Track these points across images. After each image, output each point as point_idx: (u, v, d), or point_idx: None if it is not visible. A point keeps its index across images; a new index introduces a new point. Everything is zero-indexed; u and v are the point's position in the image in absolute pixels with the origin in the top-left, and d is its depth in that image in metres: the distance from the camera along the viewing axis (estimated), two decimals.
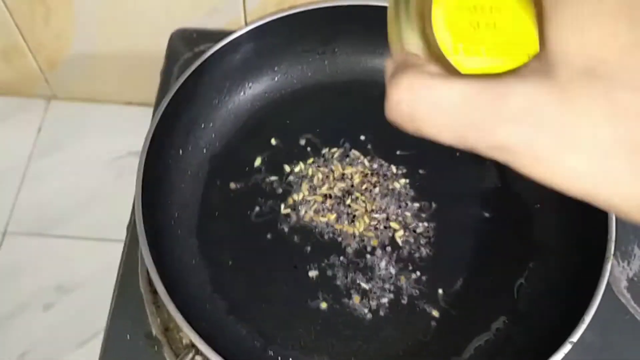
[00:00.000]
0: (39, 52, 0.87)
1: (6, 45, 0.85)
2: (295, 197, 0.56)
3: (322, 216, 0.55)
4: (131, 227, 0.58)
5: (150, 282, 0.55)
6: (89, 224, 0.85)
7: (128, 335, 0.53)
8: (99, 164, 0.90)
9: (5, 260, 0.82)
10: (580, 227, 0.52)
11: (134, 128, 0.91)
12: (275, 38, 0.59)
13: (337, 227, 0.55)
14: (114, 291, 0.55)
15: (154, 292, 0.54)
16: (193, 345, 0.42)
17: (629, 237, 0.58)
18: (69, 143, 0.92)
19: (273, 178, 0.57)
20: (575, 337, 0.43)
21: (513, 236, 0.55)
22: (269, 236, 0.54)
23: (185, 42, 0.69)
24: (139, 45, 0.84)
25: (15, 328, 0.78)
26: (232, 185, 0.56)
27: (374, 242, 0.54)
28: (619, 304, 0.55)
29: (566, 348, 0.43)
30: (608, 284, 0.51)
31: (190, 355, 0.42)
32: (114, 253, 0.61)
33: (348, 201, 0.56)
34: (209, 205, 0.55)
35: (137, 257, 0.56)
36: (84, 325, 0.78)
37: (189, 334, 0.42)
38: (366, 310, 0.51)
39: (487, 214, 0.56)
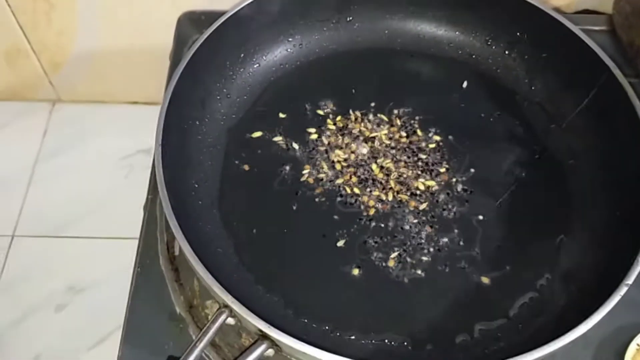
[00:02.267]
0: (42, 53, 0.86)
1: (9, 47, 0.83)
2: (317, 164, 0.54)
3: (348, 182, 0.53)
4: (147, 205, 0.56)
5: (171, 260, 0.53)
6: (99, 224, 0.83)
7: (150, 316, 0.50)
8: (107, 164, 0.88)
9: (15, 263, 0.79)
10: (618, 177, 0.50)
11: (142, 127, 0.89)
12: (288, 7, 0.58)
13: (364, 192, 0.52)
14: (133, 273, 0.53)
15: (176, 269, 0.52)
16: (226, 307, 0.39)
17: None
18: (75, 145, 0.90)
19: (294, 146, 0.55)
20: (630, 278, 0.40)
21: (550, 193, 0.52)
22: (293, 205, 0.52)
23: (194, 24, 0.67)
24: (143, 39, 0.82)
25: (27, 330, 0.75)
26: (252, 155, 0.54)
27: (406, 205, 0.52)
28: None
29: (622, 290, 0.40)
30: None
31: (223, 316, 0.39)
32: (126, 251, 0.59)
33: (374, 166, 0.54)
34: (229, 176, 0.53)
35: (155, 237, 0.54)
36: (97, 325, 0.75)
37: (222, 296, 0.39)
38: (402, 274, 0.48)
39: (521, 173, 0.53)
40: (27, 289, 0.78)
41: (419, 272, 0.48)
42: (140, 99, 0.93)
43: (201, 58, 0.53)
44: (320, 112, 0.57)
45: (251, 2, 0.55)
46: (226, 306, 0.39)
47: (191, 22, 0.67)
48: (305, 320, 0.46)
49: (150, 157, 0.66)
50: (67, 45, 0.84)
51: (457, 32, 0.61)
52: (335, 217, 0.51)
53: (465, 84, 0.59)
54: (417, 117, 0.57)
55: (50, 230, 0.83)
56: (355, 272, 0.49)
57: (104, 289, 0.79)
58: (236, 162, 0.54)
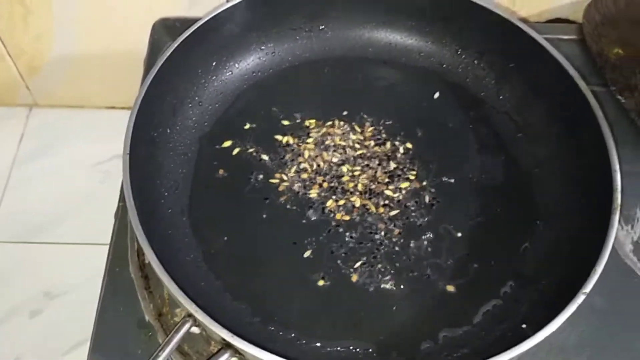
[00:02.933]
0: (19, 57, 0.85)
1: None
2: (288, 173, 0.54)
3: (318, 190, 0.53)
4: (119, 213, 0.56)
5: (141, 267, 0.53)
6: (75, 230, 0.83)
7: (119, 324, 0.50)
8: (83, 169, 0.88)
9: None
10: (582, 186, 0.51)
11: (118, 132, 0.89)
12: (260, 15, 0.58)
13: (333, 200, 0.53)
14: (103, 280, 0.53)
15: (145, 277, 0.52)
16: (190, 316, 0.40)
17: (632, 201, 0.56)
18: (51, 150, 0.89)
19: (265, 155, 0.55)
20: (588, 287, 0.41)
21: (515, 202, 0.53)
22: (263, 213, 0.52)
23: (168, 30, 0.67)
24: (120, 44, 0.82)
25: (2, 336, 0.74)
26: (223, 163, 0.55)
27: (374, 213, 0.52)
28: (626, 268, 0.54)
29: (579, 299, 0.41)
30: (614, 248, 0.50)
31: (187, 325, 0.40)
32: (102, 257, 0.59)
33: (344, 174, 0.54)
34: (199, 184, 0.53)
35: (125, 244, 0.54)
36: (72, 331, 0.75)
37: (185, 304, 0.39)
38: (369, 282, 0.49)
39: (488, 182, 0.54)
40: (1, 294, 0.77)
41: (385, 279, 0.49)
42: (117, 104, 0.93)
43: (173, 65, 0.53)
44: (292, 120, 0.58)
45: (224, 10, 0.56)
46: (190, 315, 0.39)
47: (166, 28, 0.68)
48: (272, 328, 0.46)
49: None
50: (44, 49, 0.83)
51: (427, 42, 0.61)
52: (305, 225, 0.52)
53: (435, 94, 0.60)
54: (387, 126, 0.58)
55: (26, 235, 0.82)
56: (321, 282, 0.49)
57: (79, 295, 0.78)
58: (207, 170, 0.54)
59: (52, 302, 0.77)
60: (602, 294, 0.51)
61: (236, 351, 0.39)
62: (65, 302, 0.78)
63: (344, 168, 0.54)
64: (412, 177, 0.54)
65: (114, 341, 0.49)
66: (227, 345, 0.39)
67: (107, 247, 0.55)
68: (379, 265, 0.50)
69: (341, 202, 0.53)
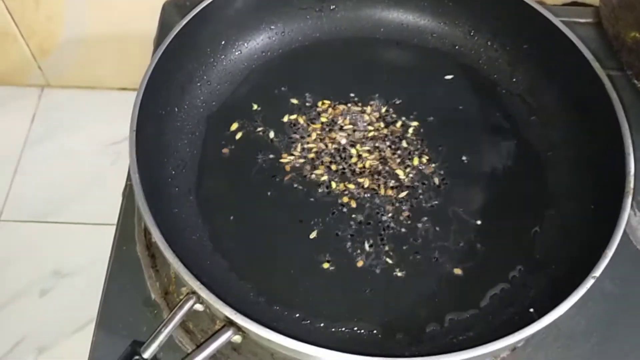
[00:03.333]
0: (31, 38, 0.85)
1: None
2: (296, 153, 0.54)
3: (325, 171, 0.53)
4: (127, 192, 0.56)
5: (147, 246, 0.53)
6: (86, 210, 0.83)
7: (125, 301, 0.50)
8: (94, 150, 0.88)
9: (1, 247, 0.79)
10: (595, 170, 0.50)
11: (130, 113, 0.89)
12: None
13: (341, 181, 0.52)
14: (110, 258, 0.53)
15: (152, 255, 0.52)
16: (193, 293, 0.39)
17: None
18: (63, 130, 0.90)
19: (273, 135, 0.55)
20: (597, 271, 0.41)
21: (526, 185, 0.53)
22: (270, 193, 0.52)
23: (179, 10, 0.67)
24: (131, 25, 0.82)
25: (11, 315, 0.75)
26: (231, 143, 0.54)
27: (382, 194, 0.52)
28: (638, 253, 0.53)
29: (588, 283, 0.40)
30: (625, 234, 0.49)
31: (191, 302, 0.39)
32: (111, 237, 0.59)
33: (353, 154, 0.54)
34: (206, 163, 0.53)
35: (133, 223, 0.54)
36: (81, 310, 0.74)
37: (189, 281, 0.39)
38: (375, 263, 0.48)
39: (500, 165, 0.53)
40: (12, 273, 0.78)
41: (392, 262, 0.48)
42: (129, 85, 0.93)
43: (181, 43, 0.52)
44: (301, 100, 0.57)
45: None
46: (194, 292, 0.39)
47: (176, 8, 0.67)
48: (277, 308, 0.46)
49: None
50: (55, 30, 0.83)
51: (440, 23, 0.60)
52: (312, 205, 0.51)
53: (447, 75, 0.59)
54: (397, 107, 0.57)
55: (37, 215, 0.83)
56: (326, 264, 0.49)
57: (88, 274, 0.79)
58: (215, 150, 0.54)
59: (61, 281, 0.78)
60: (613, 280, 0.50)
61: (239, 329, 0.39)
62: (75, 281, 0.78)
63: (353, 149, 0.54)
64: (421, 159, 0.54)
65: (120, 318, 0.49)
66: (230, 323, 0.39)
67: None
68: (386, 247, 0.49)
69: (349, 184, 0.52)
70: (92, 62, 0.89)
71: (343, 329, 0.45)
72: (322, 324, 0.45)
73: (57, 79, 0.93)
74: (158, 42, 0.64)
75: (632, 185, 0.44)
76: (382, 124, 0.56)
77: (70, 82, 0.93)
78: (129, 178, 0.57)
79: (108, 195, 0.75)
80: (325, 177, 0.53)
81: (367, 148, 0.54)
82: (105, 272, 0.53)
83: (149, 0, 0.73)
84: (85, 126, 0.90)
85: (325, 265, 0.48)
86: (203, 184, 0.52)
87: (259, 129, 0.55)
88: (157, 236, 0.41)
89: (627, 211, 0.43)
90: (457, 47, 0.60)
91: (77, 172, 0.86)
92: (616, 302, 0.50)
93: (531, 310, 0.44)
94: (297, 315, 0.46)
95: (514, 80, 0.58)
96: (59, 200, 0.83)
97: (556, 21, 0.53)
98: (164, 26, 0.66)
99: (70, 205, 0.83)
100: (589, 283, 0.40)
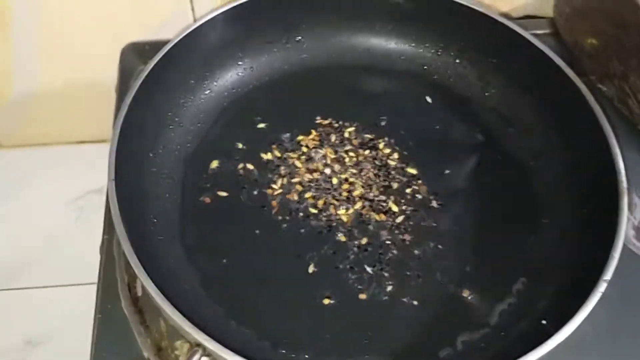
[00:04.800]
0: None
1: None
2: (280, 187, 0.52)
3: (313, 203, 0.51)
4: (104, 247, 0.53)
5: (134, 302, 0.50)
6: (53, 272, 0.79)
7: None
8: (56, 208, 0.84)
9: None
10: (581, 173, 0.50)
11: (90, 166, 0.86)
12: (234, 30, 0.57)
13: (331, 212, 0.51)
14: (94, 318, 0.50)
15: (139, 311, 0.49)
16: (198, 345, 0.37)
17: (629, 188, 0.56)
18: (21, 191, 0.86)
19: (254, 172, 0.53)
20: (608, 274, 0.40)
21: (516, 196, 0.52)
22: (259, 231, 0.50)
23: (138, 55, 0.65)
24: (85, 75, 0.79)
25: None
26: (211, 184, 0.52)
27: (374, 221, 0.50)
28: (631, 254, 0.53)
29: (601, 287, 0.40)
30: None
31: (197, 356, 0.37)
32: (84, 298, 0.56)
33: (338, 184, 0.52)
34: (188, 208, 0.51)
35: (115, 279, 0.51)
36: None
37: (193, 334, 0.37)
38: (378, 292, 0.47)
39: (486, 179, 0.53)
40: None
41: (395, 288, 0.47)
42: (87, 138, 0.89)
43: (149, 87, 0.51)
44: (278, 133, 0.56)
45: (195, 29, 0.54)
46: (198, 345, 0.37)
47: (135, 53, 0.66)
48: (284, 351, 0.44)
49: (102, 197, 0.63)
50: (3, 89, 0.80)
51: (407, 45, 0.61)
52: (305, 239, 0.50)
53: (419, 96, 0.59)
54: (376, 132, 0.56)
55: (2, 282, 0.78)
56: (327, 300, 0.47)
57: (63, 340, 0.75)
58: (195, 192, 0.52)
59: (35, 350, 0.73)
60: (612, 282, 0.50)
61: None
62: (49, 348, 0.74)
63: (338, 177, 0.53)
64: (408, 182, 0.53)
65: None
66: None
67: (89, 286, 0.52)
68: (387, 275, 0.48)
69: (340, 212, 0.51)
70: (46, 118, 0.86)
71: None
72: None
73: (8, 139, 0.89)
74: (121, 89, 0.62)
75: (624, 183, 0.45)
76: (363, 150, 0.55)
77: (23, 140, 0.89)
78: (105, 232, 0.54)
79: (76, 253, 0.72)
80: (314, 209, 0.51)
81: (353, 176, 0.53)
82: (81, 335, 0.50)
83: (102, 49, 0.71)
84: (43, 184, 0.86)
85: (327, 301, 0.47)
86: (187, 229, 0.50)
87: (239, 166, 0.54)
88: (152, 289, 0.38)
89: (625, 210, 0.43)
90: (426, 68, 0.60)
91: (40, 232, 0.82)
92: (618, 306, 0.49)
93: (543, 322, 0.43)
94: (306, 356, 0.44)
95: (487, 94, 0.58)
96: (23, 265, 0.79)
97: (522, 31, 0.54)
98: (125, 72, 0.64)
99: (35, 268, 0.79)
100: (602, 287, 0.40)
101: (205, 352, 0.37)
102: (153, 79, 0.51)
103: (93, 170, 0.78)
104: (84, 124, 0.86)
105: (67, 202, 0.85)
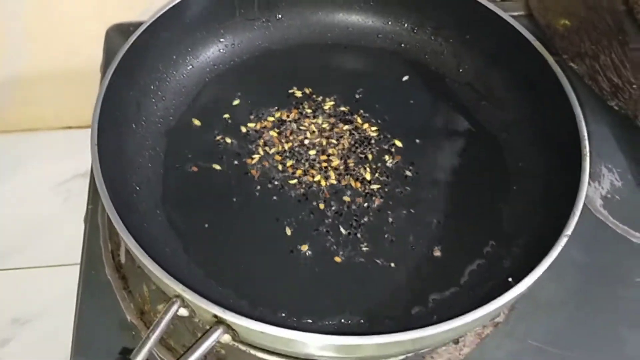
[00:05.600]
0: None
1: None
2: (259, 159, 0.54)
3: (292, 173, 0.53)
4: (88, 216, 0.54)
5: (117, 268, 0.51)
6: (40, 253, 0.80)
7: (100, 327, 0.48)
8: (43, 191, 0.85)
9: None
10: (550, 142, 0.52)
11: (76, 150, 0.86)
12: (214, 8, 0.58)
13: (309, 179, 0.53)
14: (78, 285, 0.51)
15: (123, 277, 0.51)
16: (177, 296, 0.38)
17: (596, 160, 0.58)
18: (8, 175, 0.87)
19: (234, 143, 0.55)
20: (569, 229, 0.42)
21: (488, 166, 0.54)
22: (238, 197, 0.52)
23: (123, 35, 0.66)
24: (71, 59, 0.80)
25: None
26: (192, 154, 0.54)
27: (351, 187, 0.52)
28: (599, 222, 0.55)
29: (562, 241, 0.42)
30: (585, 205, 0.51)
31: (175, 306, 0.38)
32: (70, 278, 0.57)
33: (317, 152, 0.54)
34: (170, 177, 0.52)
35: (98, 246, 0.53)
36: (48, 356, 0.72)
37: (172, 285, 0.38)
38: (353, 254, 0.49)
39: (459, 150, 0.55)
40: None
41: (369, 251, 0.49)
42: (73, 123, 0.90)
43: (132, 61, 0.52)
44: (257, 108, 0.57)
45: (176, 4, 0.55)
46: (177, 296, 0.38)
47: (120, 33, 0.67)
48: (261, 309, 0.45)
49: (88, 180, 0.64)
50: None
51: (384, 23, 0.62)
52: (282, 205, 0.51)
53: (396, 73, 0.61)
54: (353, 106, 0.58)
55: None
56: (305, 261, 0.48)
57: (49, 319, 0.75)
58: (177, 163, 0.53)
59: (22, 329, 0.74)
60: (580, 249, 0.52)
61: (228, 327, 0.38)
62: (36, 327, 0.75)
63: (316, 148, 0.54)
64: (383, 152, 0.55)
65: (97, 344, 0.47)
66: (218, 322, 0.38)
67: (76, 267, 0.53)
68: (361, 237, 0.49)
69: (317, 180, 0.52)
70: (32, 103, 0.87)
71: (330, 322, 0.45)
72: (309, 320, 0.45)
73: None
74: (105, 68, 0.64)
75: (587, 147, 0.46)
76: (340, 122, 0.56)
77: (10, 126, 0.90)
78: (89, 202, 0.55)
79: (63, 234, 0.73)
80: (292, 177, 0.53)
81: (329, 145, 0.54)
82: (69, 314, 0.51)
83: (88, 33, 0.72)
84: (30, 168, 0.87)
85: (304, 261, 0.48)
86: (169, 197, 0.51)
87: (220, 138, 0.55)
88: (133, 246, 0.40)
89: (587, 171, 0.45)
90: (402, 45, 0.62)
91: (28, 215, 0.83)
92: (585, 270, 0.52)
93: (510, 279, 0.45)
94: (283, 314, 0.45)
95: (461, 70, 0.60)
96: (11, 246, 0.80)
97: (495, 8, 0.56)
98: (109, 52, 0.65)
99: (24, 249, 0.80)
100: (562, 241, 0.41)
101: (184, 303, 0.39)
102: (135, 52, 0.52)
103: (79, 155, 0.79)
104: (70, 109, 0.87)
105: (55, 185, 0.86)
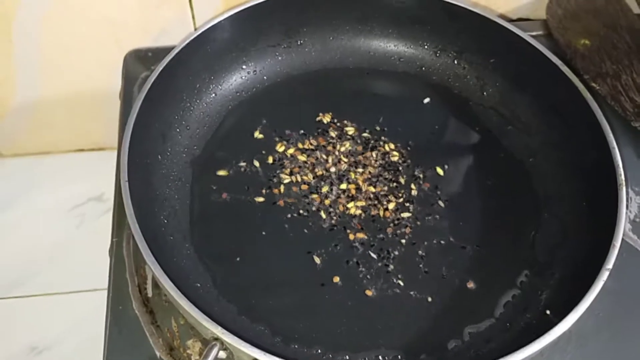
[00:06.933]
0: None
1: None
2: (286, 188, 0.53)
3: (320, 203, 0.53)
4: (113, 250, 0.53)
5: (144, 302, 0.50)
6: (56, 279, 0.79)
7: None
8: (57, 216, 0.84)
9: None
10: (579, 169, 0.52)
11: (90, 174, 0.87)
12: (237, 35, 0.58)
13: (338, 210, 0.52)
14: (106, 319, 0.50)
15: (151, 312, 0.50)
16: (216, 339, 0.38)
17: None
18: (22, 200, 0.86)
19: (260, 172, 0.54)
20: (609, 263, 0.41)
21: (517, 193, 0.54)
22: (266, 230, 0.51)
23: (141, 61, 0.66)
24: (86, 84, 0.80)
25: None
26: (218, 185, 0.53)
27: (381, 218, 0.52)
28: (629, 247, 0.54)
29: (604, 275, 0.41)
30: None
31: (215, 350, 0.38)
32: (87, 304, 0.57)
33: (343, 184, 0.53)
34: (197, 209, 0.52)
35: (125, 281, 0.52)
36: None
37: (211, 328, 0.38)
38: (386, 287, 0.48)
39: (487, 177, 0.54)
40: None
41: (403, 283, 0.48)
42: (86, 146, 0.90)
43: (157, 93, 0.52)
44: (282, 135, 0.57)
45: (200, 35, 0.55)
46: (216, 339, 0.38)
47: (138, 59, 0.66)
48: (296, 346, 0.45)
49: (103, 204, 0.63)
50: (5, 97, 0.81)
51: (406, 47, 0.62)
52: (312, 237, 0.51)
53: (419, 97, 0.60)
54: (378, 133, 0.57)
55: (4, 290, 0.78)
56: (337, 294, 0.48)
57: (66, 346, 0.74)
58: (203, 193, 0.53)
59: (39, 357, 0.73)
60: (611, 275, 0.51)
61: None
62: (54, 355, 0.74)
63: (343, 178, 0.54)
64: (411, 180, 0.54)
65: None
66: None
67: (93, 293, 0.53)
68: (394, 270, 0.49)
69: (346, 210, 0.52)
70: (46, 127, 0.86)
71: (366, 358, 0.44)
72: (345, 357, 0.44)
73: (9, 148, 0.89)
74: (125, 94, 0.63)
75: (622, 177, 0.46)
76: (367, 150, 0.56)
77: (24, 149, 0.89)
78: (113, 234, 0.54)
79: (78, 260, 0.72)
80: (321, 207, 0.52)
81: (358, 174, 0.54)
82: (87, 340, 0.50)
83: (103, 57, 0.72)
84: (44, 193, 0.86)
85: (337, 295, 0.48)
86: (197, 229, 0.51)
87: (245, 167, 0.54)
88: (168, 285, 0.39)
89: (624, 202, 0.45)
90: (424, 69, 0.62)
91: (42, 240, 0.82)
92: (617, 297, 0.51)
93: (547, 312, 0.45)
94: (318, 351, 0.45)
95: (485, 94, 0.60)
96: (26, 272, 0.79)
97: (519, 32, 0.56)
98: (129, 78, 0.65)
99: (39, 276, 0.79)
100: (604, 275, 0.41)
101: (223, 346, 0.38)
102: (160, 83, 0.52)
103: (92, 178, 0.79)
104: (82, 132, 0.86)
105: (69, 209, 0.85)
